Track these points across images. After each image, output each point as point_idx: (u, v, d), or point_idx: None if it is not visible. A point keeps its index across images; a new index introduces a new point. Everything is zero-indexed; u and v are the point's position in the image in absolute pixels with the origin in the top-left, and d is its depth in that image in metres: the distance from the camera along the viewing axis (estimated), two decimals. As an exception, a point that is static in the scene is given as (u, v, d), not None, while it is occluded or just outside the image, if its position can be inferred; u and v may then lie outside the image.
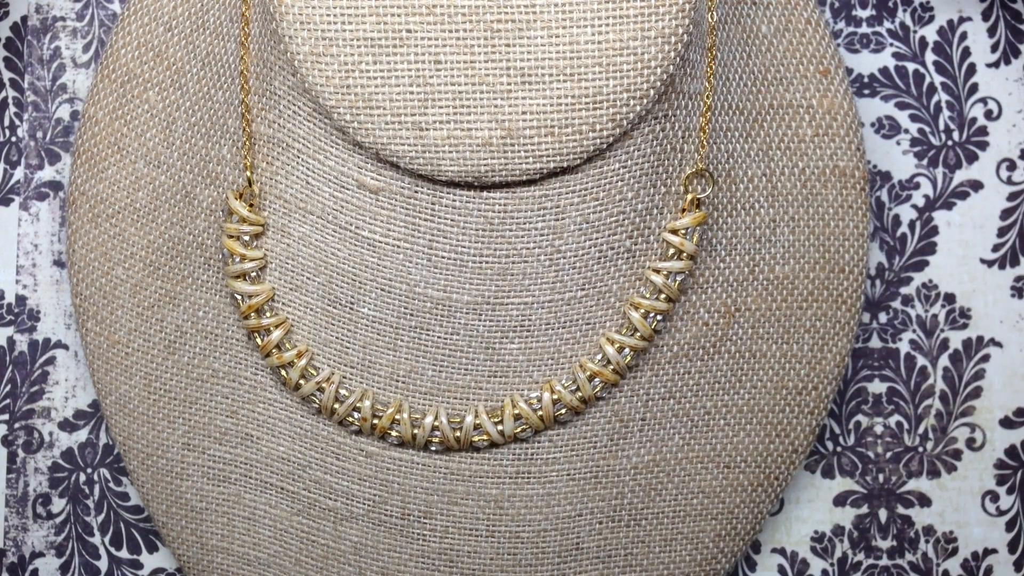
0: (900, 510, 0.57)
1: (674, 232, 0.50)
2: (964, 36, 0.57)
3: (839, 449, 0.57)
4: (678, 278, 0.51)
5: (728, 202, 0.52)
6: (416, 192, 0.49)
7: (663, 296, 0.50)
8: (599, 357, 0.51)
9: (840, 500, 0.57)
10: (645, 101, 0.47)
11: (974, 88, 0.57)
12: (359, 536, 0.53)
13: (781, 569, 0.58)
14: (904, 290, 0.57)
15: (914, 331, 0.57)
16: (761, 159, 0.52)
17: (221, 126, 0.52)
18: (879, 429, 0.58)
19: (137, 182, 0.53)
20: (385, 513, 0.53)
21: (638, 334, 0.51)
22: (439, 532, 0.53)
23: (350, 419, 0.51)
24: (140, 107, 0.53)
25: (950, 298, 0.57)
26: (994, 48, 0.57)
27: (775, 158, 0.53)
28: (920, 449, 0.57)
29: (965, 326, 0.57)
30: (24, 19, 0.57)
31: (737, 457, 0.54)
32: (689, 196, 0.50)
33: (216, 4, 0.52)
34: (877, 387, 0.57)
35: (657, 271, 0.50)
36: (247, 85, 0.50)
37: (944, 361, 0.57)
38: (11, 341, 0.57)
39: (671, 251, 0.50)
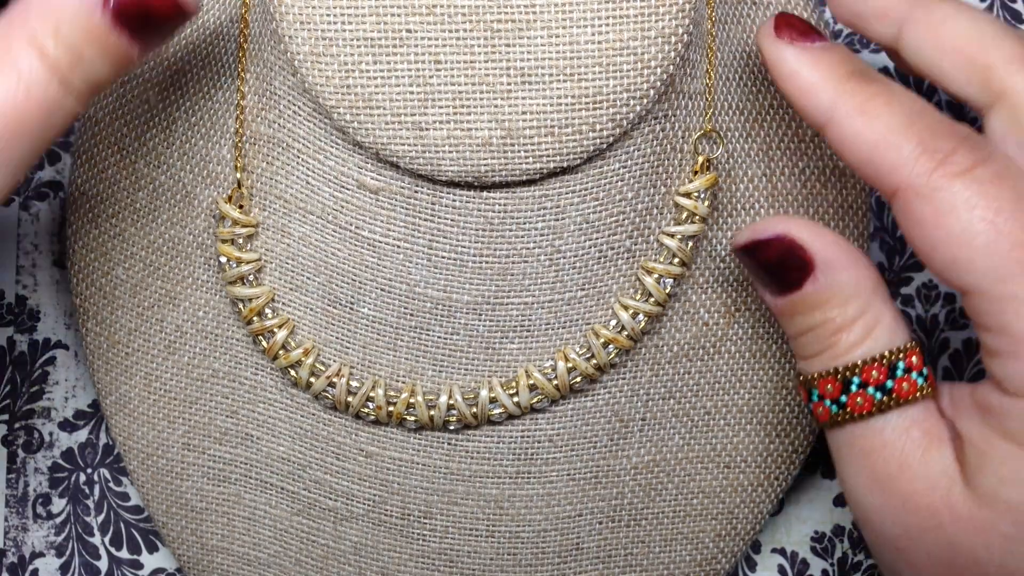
0: (900, 510, 0.57)
1: (687, 195, 0.50)
2: (964, 36, 0.57)
3: (839, 449, 0.57)
4: (690, 242, 0.51)
5: (728, 202, 0.52)
6: (416, 192, 0.49)
7: (676, 260, 0.50)
8: (613, 323, 0.51)
9: (840, 500, 0.57)
10: (645, 101, 0.47)
11: (974, 88, 0.57)
12: (359, 536, 0.53)
13: (781, 569, 0.58)
14: (904, 290, 0.57)
15: (914, 331, 0.57)
16: (761, 159, 0.52)
17: (221, 126, 0.52)
18: (879, 429, 0.57)
19: (137, 182, 0.53)
20: (385, 513, 0.53)
21: (652, 299, 0.50)
22: (439, 532, 0.53)
23: (365, 410, 0.51)
24: (140, 107, 0.53)
25: (950, 298, 0.57)
26: (994, 48, 0.57)
27: (775, 158, 0.53)
28: (920, 449, 0.57)
29: (965, 326, 0.57)
30: (24, 19, 0.57)
31: (737, 457, 0.54)
32: (700, 158, 0.50)
33: (216, 4, 0.52)
34: (877, 387, 0.57)
35: (671, 235, 0.50)
36: (243, 88, 0.51)
37: (944, 361, 0.57)
38: (11, 341, 0.57)
39: (684, 215, 0.50)
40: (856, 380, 0.46)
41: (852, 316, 0.46)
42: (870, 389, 0.46)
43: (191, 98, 0.52)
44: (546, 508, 0.53)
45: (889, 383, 0.46)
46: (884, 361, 0.46)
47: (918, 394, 0.46)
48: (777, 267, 0.47)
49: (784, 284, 0.47)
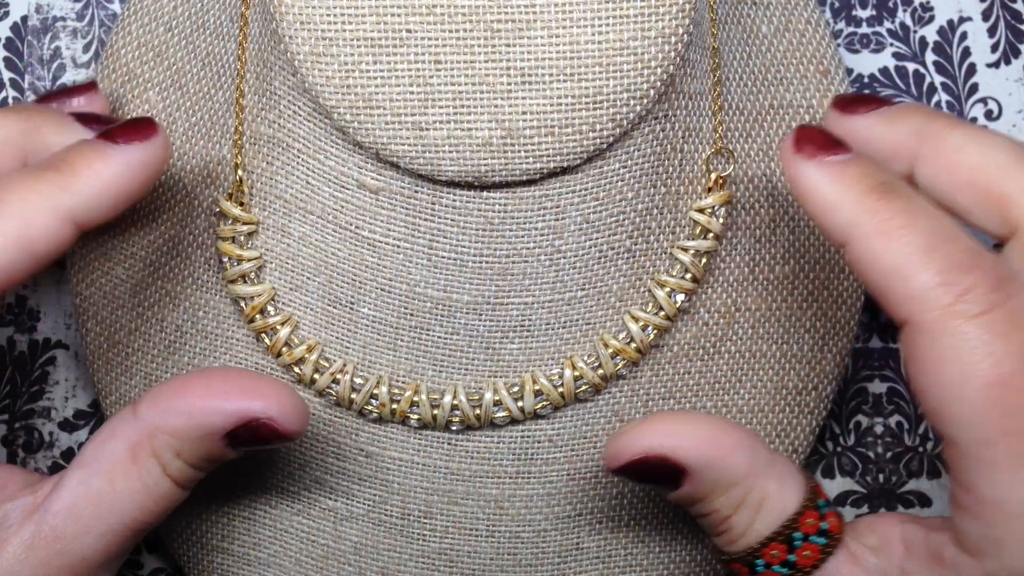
0: (900, 510, 0.57)
1: (700, 211, 0.50)
2: (964, 36, 0.57)
3: (839, 449, 0.57)
4: (704, 258, 0.51)
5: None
6: (416, 192, 0.49)
7: (689, 276, 0.51)
8: (623, 335, 0.51)
9: (840, 500, 0.57)
10: (645, 101, 0.47)
11: (974, 88, 0.57)
12: (359, 536, 0.53)
13: (781, 569, 0.58)
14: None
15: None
16: (761, 159, 0.52)
17: (221, 126, 0.52)
18: (879, 429, 0.58)
19: (137, 182, 0.53)
20: (385, 513, 0.53)
21: (663, 313, 0.51)
22: (439, 532, 0.53)
23: (368, 407, 0.51)
24: (140, 107, 0.53)
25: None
26: (994, 48, 0.57)
27: (775, 158, 0.53)
28: (920, 449, 0.57)
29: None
30: (24, 19, 0.57)
31: (737, 457, 0.54)
32: (713, 175, 0.50)
33: (216, 4, 0.52)
34: (877, 387, 0.57)
35: (685, 250, 0.50)
36: (243, 87, 0.51)
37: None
38: (11, 341, 0.57)
39: (698, 229, 0.50)
40: (760, 562, 0.46)
41: (736, 502, 0.46)
42: (775, 567, 0.46)
43: (191, 98, 0.52)
44: (546, 508, 0.53)
45: (791, 557, 0.46)
46: (780, 538, 0.46)
47: (821, 556, 0.46)
48: (652, 479, 0.47)
49: (664, 486, 0.47)
